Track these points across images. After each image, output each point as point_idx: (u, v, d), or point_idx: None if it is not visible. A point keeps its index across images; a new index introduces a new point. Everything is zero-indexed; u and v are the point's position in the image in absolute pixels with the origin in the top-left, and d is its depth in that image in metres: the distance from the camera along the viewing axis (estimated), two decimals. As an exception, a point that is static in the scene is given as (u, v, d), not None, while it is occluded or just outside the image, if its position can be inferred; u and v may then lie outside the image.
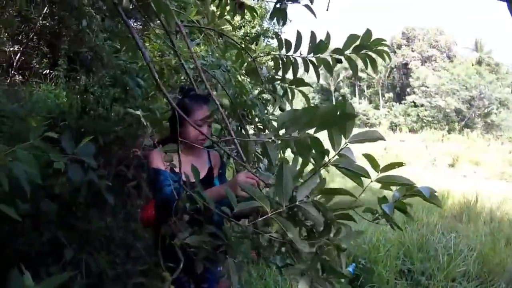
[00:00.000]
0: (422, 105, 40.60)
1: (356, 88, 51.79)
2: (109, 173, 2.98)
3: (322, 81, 49.37)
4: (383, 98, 48.76)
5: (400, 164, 1.08)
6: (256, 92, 2.59)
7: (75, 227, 2.83)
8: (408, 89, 45.13)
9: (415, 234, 5.00)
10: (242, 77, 3.63)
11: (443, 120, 38.83)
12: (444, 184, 9.85)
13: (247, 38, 14.32)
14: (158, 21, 1.70)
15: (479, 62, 43.24)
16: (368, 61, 1.88)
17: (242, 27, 14.15)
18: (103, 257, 2.86)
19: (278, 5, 2.13)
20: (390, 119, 43.12)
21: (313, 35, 1.88)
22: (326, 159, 1.09)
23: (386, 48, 1.89)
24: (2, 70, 5.74)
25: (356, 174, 1.06)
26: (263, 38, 14.79)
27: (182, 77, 3.06)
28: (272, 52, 2.49)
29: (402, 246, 4.52)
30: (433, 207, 7.09)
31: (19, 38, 6.31)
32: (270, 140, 1.14)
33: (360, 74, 47.03)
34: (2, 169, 1.20)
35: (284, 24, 2.24)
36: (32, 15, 5.31)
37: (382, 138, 1.05)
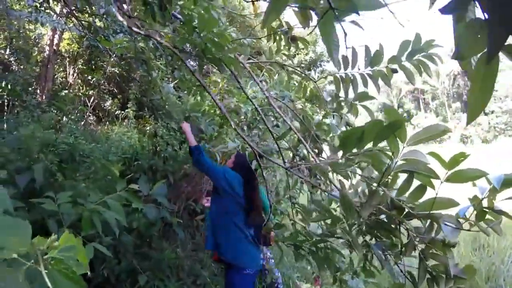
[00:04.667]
0: (492, 112, 37.37)
1: (421, 102, 49.30)
2: (179, 207, 3.25)
3: (384, 99, 47.74)
4: (450, 109, 45.76)
5: (463, 155, 1.04)
6: (320, 117, 2.73)
7: (149, 256, 3.11)
8: (475, 96, 41.93)
9: (484, 262, 4.58)
10: (307, 105, 3.75)
11: (518, 125, 35.39)
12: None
13: (302, 65, 14.58)
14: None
15: (548, 54, 39.03)
16: (421, 68, 1.86)
17: (296, 55, 14.42)
18: (173, 284, 3.12)
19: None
20: (460, 132, 39.99)
21: (367, 49, 1.91)
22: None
23: (437, 50, 1.85)
24: (78, 113, 6.44)
25: (422, 175, 1.09)
26: (318, 63, 14.94)
27: (242, 117, 3.31)
28: (330, 73, 2.57)
29: (468, 277, 4.20)
30: (505, 229, 6.41)
31: (91, 82, 7.09)
32: (336, 160, 1.26)
33: (422, 86, 44.74)
34: (96, 215, 1.45)
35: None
36: (102, 63, 5.96)
37: (446, 131, 1.05)
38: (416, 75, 2.06)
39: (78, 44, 6.88)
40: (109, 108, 6.99)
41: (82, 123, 6.19)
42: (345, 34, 1.06)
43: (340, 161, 1.26)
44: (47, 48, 7.07)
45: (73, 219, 1.53)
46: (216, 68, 1.68)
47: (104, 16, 2.44)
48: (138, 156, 3.19)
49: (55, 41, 6.85)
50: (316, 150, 2.26)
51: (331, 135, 2.37)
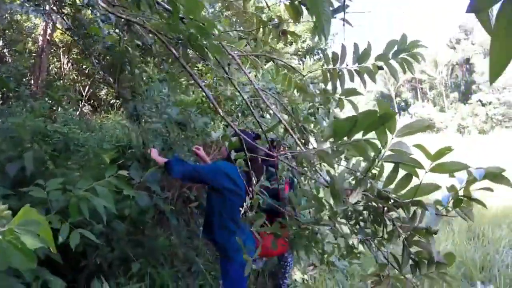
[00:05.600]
0: (490, 103, 37.38)
1: (418, 91, 49.26)
2: (173, 194, 3.26)
3: (382, 88, 47.76)
4: (448, 99, 45.74)
5: (449, 149, 1.08)
6: (307, 107, 2.77)
7: (142, 244, 3.13)
8: (473, 87, 42.04)
9: (479, 252, 4.57)
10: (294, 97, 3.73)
11: (515, 116, 35.45)
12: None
13: (299, 53, 14.51)
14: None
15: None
16: (405, 65, 1.93)
17: (293, 43, 14.34)
18: (166, 271, 3.14)
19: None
20: (457, 122, 39.96)
21: (356, 47, 1.99)
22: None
23: (421, 49, 1.95)
24: (73, 102, 6.41)
25: (408, 165, 1.13)
26: (315, 51, 14.87)
27: (237, 103, 3.31)
28: (319, 67, 2.58)
29: (462, 266, 4.17)
30: (500, 219, 6.34)
31: (86, 72, 7.05)
32: (326, 150, 1.26)
33: (420, 76, 44.76)
34: (85, 202, 1.46)
35: (326, 39, 2.35)
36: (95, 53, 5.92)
37: (431, 126, 1.09)
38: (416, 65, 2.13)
39: (73, 37, 6.83)
40: (104, 97, 6.98)
41: (77, 112, 6.16)
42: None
43: (329, 150, 1.28)
44: (40, 38, 7.02)
45: (61, 206, 1.53)
46: (200, 56, 1.63)
47: (89, 7, 2.40)
48: (132, 144, 3.19)
49: (48, 31, 6.78)
50: (303, 141, 2.29)
51: (318, 127, 2.42)
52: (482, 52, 42.41)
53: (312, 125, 2.46)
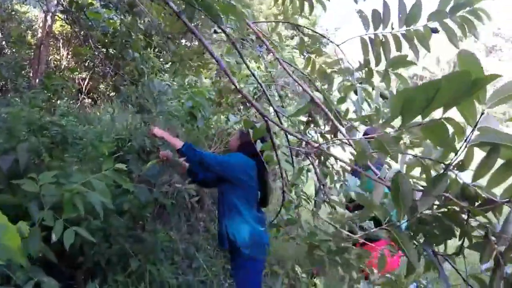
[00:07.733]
0: (491, 101, 37.46)
1: (420, 89, 49.02)
2: (174, 188, 3.17)
3: (381, 83, 47.60)
4: (449, 96, 45.70)
5: None
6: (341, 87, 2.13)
7: (141, 239, 3.05)
8: (476, 85, 42.02)
9: None
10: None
11: (518, 117, 35.47)
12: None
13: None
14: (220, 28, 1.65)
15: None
16: (466, 26, 1.50)
17: (295, 36, 14.20)
18: (166, 268, 3.05)
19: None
20: (458, 120, 39.89)
21: (402, 3, 1.52)
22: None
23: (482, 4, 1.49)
24: (72, 95, 6.30)
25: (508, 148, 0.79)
26: (317, 44, 14.70)
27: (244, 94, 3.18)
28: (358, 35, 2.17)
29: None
30: None
31: (86, 64, 6.95)
32: (389, 133, 0.88)
33: (422, 72, 44.65)
34: (79, 197, 1.37)
35: None
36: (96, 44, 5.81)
37: None
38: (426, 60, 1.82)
39: (71, 25, 6.73)
40: (104, 90, 6.90)
41: (77, 106, 6.08)
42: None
43: (393, 134, 0.88)
44: (39, 30, 6.91)
45: (55, 201, 1.45)
46: (211, 18, 1.33)
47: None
48: (132, 137, 3.10)
49: (48, 23, 6.67)
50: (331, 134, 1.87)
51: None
52: (484, 50, 42.26)
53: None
